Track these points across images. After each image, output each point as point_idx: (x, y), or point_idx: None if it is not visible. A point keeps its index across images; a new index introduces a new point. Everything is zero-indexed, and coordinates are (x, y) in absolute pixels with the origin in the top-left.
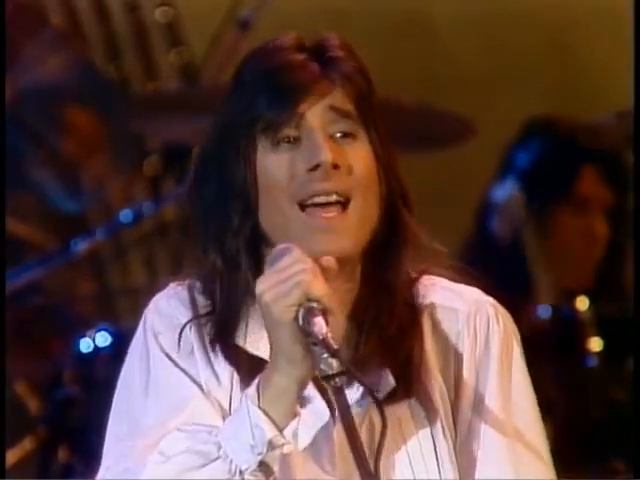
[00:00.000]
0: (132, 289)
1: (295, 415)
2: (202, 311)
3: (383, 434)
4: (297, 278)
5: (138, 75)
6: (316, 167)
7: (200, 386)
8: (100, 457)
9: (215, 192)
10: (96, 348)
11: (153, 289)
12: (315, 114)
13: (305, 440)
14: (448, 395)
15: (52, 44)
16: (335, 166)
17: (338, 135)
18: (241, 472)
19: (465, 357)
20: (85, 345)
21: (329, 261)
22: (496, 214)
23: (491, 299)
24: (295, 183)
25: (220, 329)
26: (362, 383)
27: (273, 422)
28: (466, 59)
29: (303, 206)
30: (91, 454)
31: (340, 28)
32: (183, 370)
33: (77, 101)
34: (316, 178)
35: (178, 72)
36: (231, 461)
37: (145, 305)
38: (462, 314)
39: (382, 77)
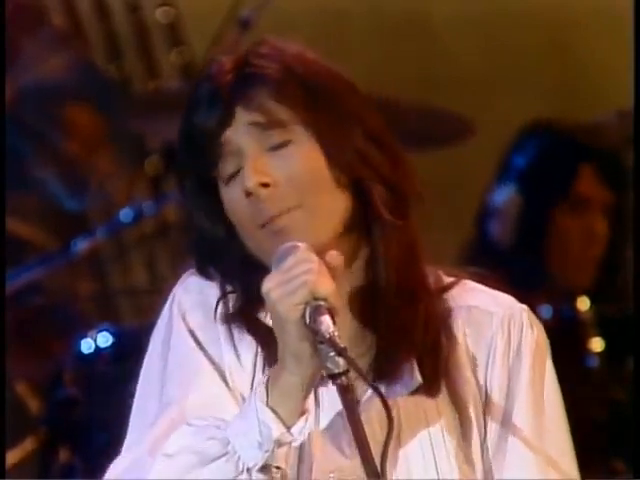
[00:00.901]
0: (133, 289)
1: (303, 412)
2: (229, 289)
3: (389, 433)
4: (303, 277)
5: (139, 75)
6: (248, 194)
7: (221, 369)
8: (101, 457)
9: (200, 217)
10: (97, 348)
11: (154, 289)
12: (240, 137)
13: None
14: (480, 397)
15: (53, 44)
16: (265, 185)
17: (270, 150)
18: (248, 469)
19: (497, 361)
20: (86, 345)
21: (335, 258)
22: (495, 218)
23: (525, 306)
24: (246, 214)
25: (243, 304)
26: (367, 382)
27: (281, 420)
28: (466, 59)
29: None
30: (92, 454)
31: (340, 28)
32: (205, 351)
33: (78, 100)
34: (255, 204)
35: (179, 72)
36: (239, 457)
37: (146, 305)
38: (497, 317)
39: (382, 77)
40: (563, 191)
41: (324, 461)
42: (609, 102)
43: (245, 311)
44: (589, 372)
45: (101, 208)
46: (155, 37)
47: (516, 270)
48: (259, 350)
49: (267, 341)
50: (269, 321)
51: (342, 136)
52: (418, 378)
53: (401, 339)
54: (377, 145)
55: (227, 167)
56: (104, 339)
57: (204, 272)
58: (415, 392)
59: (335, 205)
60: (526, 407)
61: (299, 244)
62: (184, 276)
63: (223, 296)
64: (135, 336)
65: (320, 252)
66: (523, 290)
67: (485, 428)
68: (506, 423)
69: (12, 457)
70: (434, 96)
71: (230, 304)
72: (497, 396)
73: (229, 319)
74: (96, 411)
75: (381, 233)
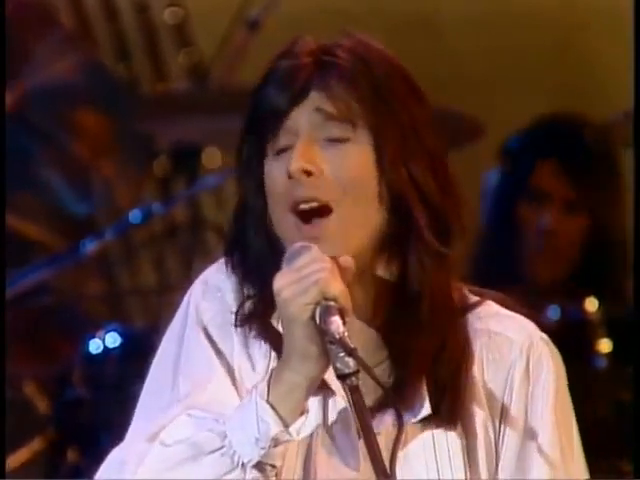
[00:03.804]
0: (141, 290)
1: (303, 412)
2: (247, 292)
3: (397, 439)
4: (315, 277)
5: (147, 76)
6: (290, 177)
7: (230, 367)
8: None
9: (246, 186)
10: (106, 349)
11: (163, 289)
12: (301, 118)
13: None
14: (492, 425)
15: (62, 45)
16: (308, 173)
17: (327, 141)
18: (243, 464)
19: (515, 389)
20: (94, 346)
21: (347, 261)
22: (487, 200)
23: (544, 335)
24: (282, 193)
25: (258, 306)
26: (379, 383)
27: (280, 418)
28: (469, 59)
29: (296, 214)
30: (100, 455)
31: (349, 28)
32: (217, 349)
33: (86, 102)
34: (293, 186)
35: (187, 72)
36: (234, 452)
37: (155, 306)
38: (516, 345)
39: None
40: (522, 185)
41: (328, 473)
42: (613, 102)
43: (260, 314)
44: (596, 373)
45: (109, 209)
46: (163, 38)
47: (495, 263)
48: (272, 355)
49: (278, 346)
50: (280, 327)
51: (399, 147)
52: (427, 408)
53: (416, 365)
54: (431, 170)
55: (280, 141)
56: (112, 339)
57: (231, 256)
58: (429, 423)
59: (370, 217)
60: (549, 440)
61: (310, 244)
62: (205, 272)
63: (243, 301)
64: (143, 336)
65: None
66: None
67: (497, 456)
68: (524, 455)
69: (20, 457)
70: (437, 96)
71: (247, 308)
72: (515, 426)
73: (244, 321)
74: (104, 411)
75: (418, 253)
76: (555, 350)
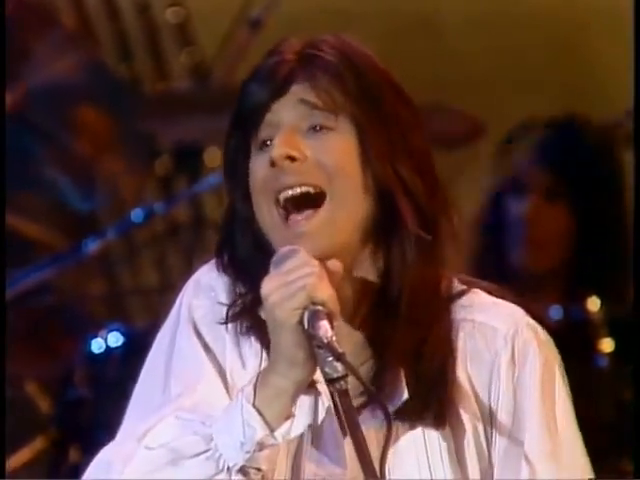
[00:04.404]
0: (143, 289)
1: (289, 417)
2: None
3: (387, 439)
4: (302, 281)
5: (149, 75)
6: (273, 163)
7: (221, 368)
8: None
9: (232, 188)
10: (108, 348)
11: (165, 289)
12: (286, 110)
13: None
14: (481, 416)
15: (63, 44)
16: (292, 159)
17: (310, 130)
18: (229, 468)
19: (502, 378)
20: (96, 345)
21: (335, 265)
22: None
23: (532, 321)
24: (266, 183)
25: (249, 302)
26: (366, 388)
27: (265, 422)
28: (471, 59)
29: (281, 206)
30: None
31: (351, 28)
32: (208, 349)
33: (88, 101)
34: (277, 174)
35: (189, 72)
36: (220, 455)
37: (157, 305)
38: (500, 334)
39: None
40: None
41: (317, 472)
42: (615, 102)
43: (251, 310)
44: (599, 373)
45: (111, 208)
46: (165, 37)
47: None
48: (264, 355)
49: (269, 342)
50: None
51: (384, 143)
52: (405, 394)
53: (394, 358)
54: (418, 171)
55: (262, 133)
56: (114, 339)
57: (221, 257)
58: (417, 422)
59: (357, 208)
60: (538, 427)
61: (298, 247)
62: (197, 272)
63: (234, 300)
64: (145, 336)
65: (329, 257)
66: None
67: (488, 447)
68: (516, 445)
69: (21, 457)
70: (440, 96)
71: (239, 304)
72: (504, 415)
73: (235, 317)
74: (106, 411)
75: (401, 246)
76: (544, 334)
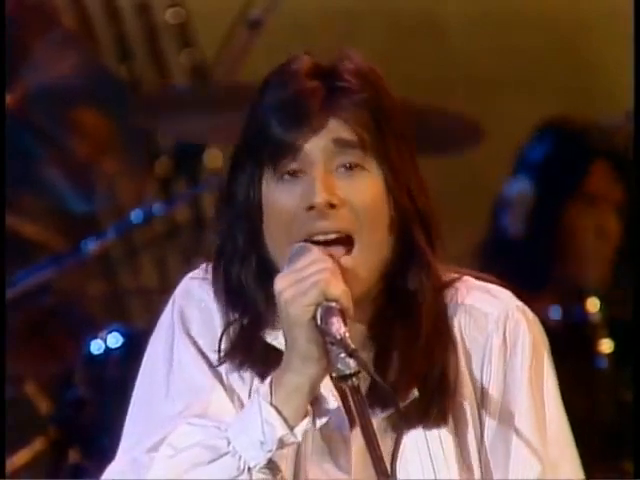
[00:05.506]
0: (143, 290)
1: (307, 414)
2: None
3: (399, 436)
4: (315, 277)
5: (149, 76)
6: (311, 208)
7: (221, 376)
8: (110, 458)
9: (229, 210)
10: (107, 349)
11: (164, 290)
12: (317, 147)
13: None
14: (475, 398)
15: (63, 45)
16: (331, 205)
17: (341, 168)
18: (249, 469)
19: (494, 361)
20: (96, 346)
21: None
22: (508, 209)
23: (520, 303)
24: (295, 222)
25: (240, 334)
26: (381, 383)
27: (285, 420)
28: (475, 60)
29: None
30: (101, 455)
31: (350, 28)
32: (206, 358)
33: (88, 102)
34: (313, 218)
35: (189, 72)
36: (240, 457)
37: (157, 306)
38: (492, 318)
39: (391, 78)
40: (574, 187)
41: (319, 475)
42: (618, 103)
43: (247, 335)
44: (598, 373)
45: (111, 209)
46: (165, 38)
47: (526, 266)
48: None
49: (261, 357)
50: (271, 341)
51: (403, 174)
52: (414, 393)
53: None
54: (418, 179)
55: (289, 164)
56: (114, 339)
57: (217, 275)
58: (421, 420)
59: (384, 241)
60: (527, 407)
61: (311, 245)
62: (184, 281)
63: (227, 326)
64: (145, 336)
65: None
66: (535, 287)
67: (481, 427)
68: (505, 423)
69: (21, 457)
70: (444, 96)
71: (231, 335)
72: (495, 396)
73: (227, 357)
74: (106, 412)
75: (418, 275)
76: (532, 317)
